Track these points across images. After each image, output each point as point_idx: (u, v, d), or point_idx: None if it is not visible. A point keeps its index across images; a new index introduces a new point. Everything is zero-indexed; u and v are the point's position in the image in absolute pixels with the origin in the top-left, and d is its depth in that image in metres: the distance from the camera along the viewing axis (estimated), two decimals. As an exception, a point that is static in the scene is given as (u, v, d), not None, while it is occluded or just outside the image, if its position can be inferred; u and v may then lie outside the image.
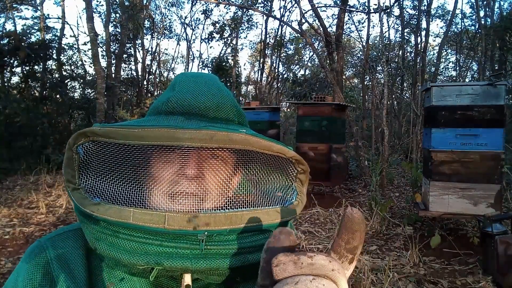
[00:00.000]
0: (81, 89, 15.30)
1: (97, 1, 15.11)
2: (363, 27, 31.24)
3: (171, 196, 0.55)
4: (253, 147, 0.54)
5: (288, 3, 17.23)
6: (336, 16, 12.09)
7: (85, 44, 19.30)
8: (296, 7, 14.82)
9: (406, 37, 15.35)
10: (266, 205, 0.59)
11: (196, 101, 0.59)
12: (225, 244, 0.53)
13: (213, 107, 0.59)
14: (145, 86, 17.45)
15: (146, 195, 0.56)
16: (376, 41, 18.78)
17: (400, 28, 15.14)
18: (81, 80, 14.59)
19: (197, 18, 28.04)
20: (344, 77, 15.25)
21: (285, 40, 19.84)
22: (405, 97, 15.84)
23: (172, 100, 0.59)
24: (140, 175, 0.58)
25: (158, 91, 17.81)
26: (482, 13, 14.01)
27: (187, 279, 0.54)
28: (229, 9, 18.47)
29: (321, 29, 10.23)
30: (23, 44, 10.92)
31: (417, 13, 13.85)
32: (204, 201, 0.56)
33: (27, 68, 11.60)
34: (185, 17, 28.17)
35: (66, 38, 19.75)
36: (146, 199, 0.56)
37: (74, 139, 0.54)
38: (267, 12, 15.69)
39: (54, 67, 12.91)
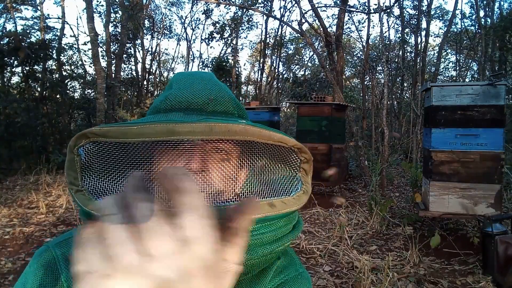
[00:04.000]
0: (81, 89, 15.30)
1: (97, 1, 15.14)
2: (363, 27, 31.26)
3: None
4: (253, 137, 0.53)
5: (288, 3, 17.26)
6: (336, 16, 12.09)
7: (85, 44, 19.32)
8: (296, 7, 14.83)
9: (406, 37, 15.34)
10: (271, 196, 0.58)
11: (193, 97, 0.60)
12: None
13: (210, 101, 0.60)
14: (145, 86, 17.46)
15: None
16: (376, 41, 18.78)
17: (400, 28, 15.16)
18: (81, 80, 14.59)
19: (197, 18, 28.05)
20: (344, 77, 15.24)
21: (285, 40, 19.85)
22: (405, 97, 15.85)
23: (170, 97, 0.60)
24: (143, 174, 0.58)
25: (158, 91, 17.82)
26: (482, 13, 14.03)
27: None
28: (229, 9, 18.48)
29: (321, 29, 10.22)
30: (23, 44, 10.89)
31: (417, 13, 13.85)
32: (209, 194, 0.55)
33: (27, 68, 11.58)
34: (185, 17, 28.20)
35: (66, 38, 19.80)
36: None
37: (75, 141, 0.53)
38: (267, 12, 15.68)
39: (54, 67, 12.89)
